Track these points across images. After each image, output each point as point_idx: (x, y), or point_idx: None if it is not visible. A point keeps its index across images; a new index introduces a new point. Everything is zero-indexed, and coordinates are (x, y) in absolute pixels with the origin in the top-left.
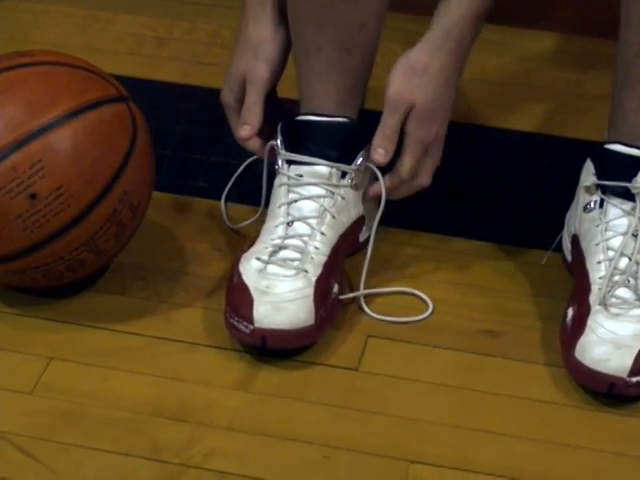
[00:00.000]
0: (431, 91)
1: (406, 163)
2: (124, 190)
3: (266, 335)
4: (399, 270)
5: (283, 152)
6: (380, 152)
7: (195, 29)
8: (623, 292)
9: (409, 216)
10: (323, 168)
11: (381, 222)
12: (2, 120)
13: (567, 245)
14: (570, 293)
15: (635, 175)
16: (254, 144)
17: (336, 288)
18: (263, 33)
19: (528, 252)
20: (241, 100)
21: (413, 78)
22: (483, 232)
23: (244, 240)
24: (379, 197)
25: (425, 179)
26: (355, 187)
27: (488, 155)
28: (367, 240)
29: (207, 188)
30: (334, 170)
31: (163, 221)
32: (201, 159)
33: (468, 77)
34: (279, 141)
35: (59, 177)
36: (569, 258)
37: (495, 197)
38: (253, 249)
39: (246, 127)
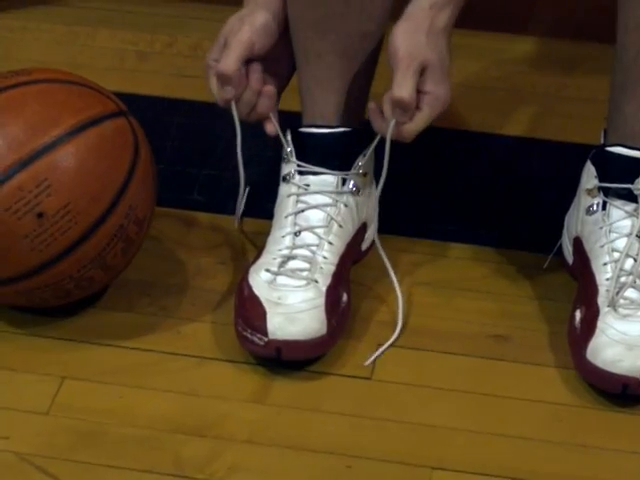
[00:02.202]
0: (442, 48)
1: (421, 121)
2: (129, 205)
3: (281, 346)
4: (400, 277)
5: (294, 160)
6: (399, 113)
7: (175, 42)
8: (630, 293)
9: (406, 223)
10: (330, 177)
11: (379, 230)
12: (5, 141)
13: (568, 248)
14: (575, 295)
15: (637, 177)
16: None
17: (345, 297)
18: (253, 3)
19: (527, 255)
20: (216, 59)
21: (420, 37)
22: (480, 237)
23: (246, 252)
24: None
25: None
26: (357, 192)
27: (478, 160)
28: (369, 249)
29: (203, 202)
30: (339, 178)
31: (163, 236)
32: (194, 173)
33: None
34: (289, 150)
35: (65, 195)
36: (570, 261)
37: (488, 202)
38: (261, 260)
39: (227, 89)
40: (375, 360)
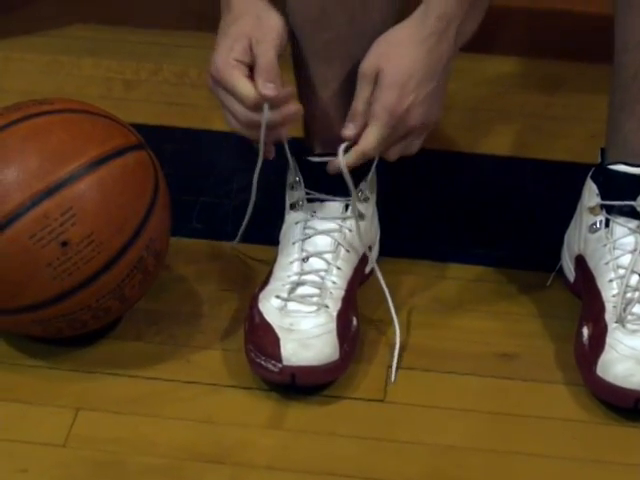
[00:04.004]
0: (404, 58)
1: (371, 134)
2: (150, 237)
3: (295, 372)
4: (402, 299)
5: (303, 188)
6: (350, 127)
7: (161, 70)
8: (638, 309)
9: (404, 245)
10: (335, 203)
11: (379, 252)
12: (31, 169)
13: (569, 266)
14: (580, 312)
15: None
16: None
17: (355, 321)
18: (261, 4)
19: (526, 274)
20: (240, 59)
21: (384, 49)
22: (478, 257)
23: (248, 278)
24: (338, 171)
25: (391, 156)
26: (360, 217)
27: (472, 181)
28: (372, 272)
29: (202, 229)
30: (343, 204)
31: (167, 264)
32: (190, 200)
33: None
34: (298, 179)
35: (90, 224)
36: (571, 279)
37: (484, 222)
38: (269, 287)
39: (269, 85)
40: (387, 382)
